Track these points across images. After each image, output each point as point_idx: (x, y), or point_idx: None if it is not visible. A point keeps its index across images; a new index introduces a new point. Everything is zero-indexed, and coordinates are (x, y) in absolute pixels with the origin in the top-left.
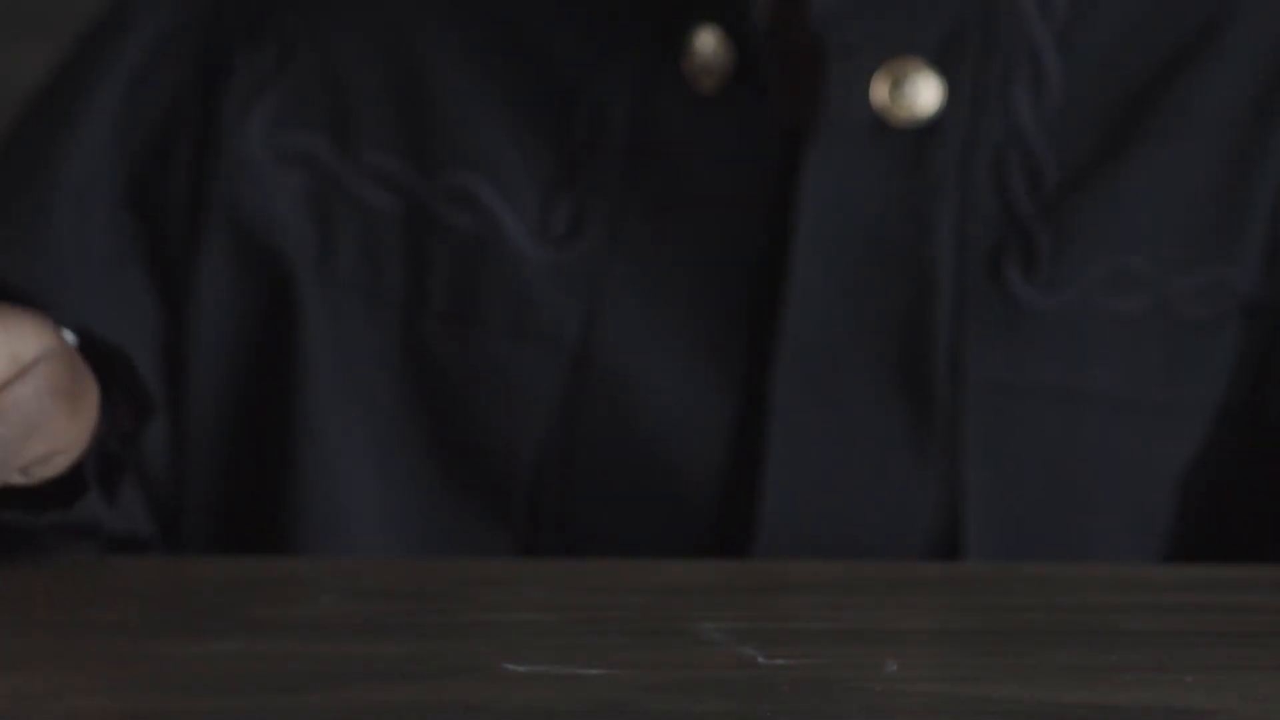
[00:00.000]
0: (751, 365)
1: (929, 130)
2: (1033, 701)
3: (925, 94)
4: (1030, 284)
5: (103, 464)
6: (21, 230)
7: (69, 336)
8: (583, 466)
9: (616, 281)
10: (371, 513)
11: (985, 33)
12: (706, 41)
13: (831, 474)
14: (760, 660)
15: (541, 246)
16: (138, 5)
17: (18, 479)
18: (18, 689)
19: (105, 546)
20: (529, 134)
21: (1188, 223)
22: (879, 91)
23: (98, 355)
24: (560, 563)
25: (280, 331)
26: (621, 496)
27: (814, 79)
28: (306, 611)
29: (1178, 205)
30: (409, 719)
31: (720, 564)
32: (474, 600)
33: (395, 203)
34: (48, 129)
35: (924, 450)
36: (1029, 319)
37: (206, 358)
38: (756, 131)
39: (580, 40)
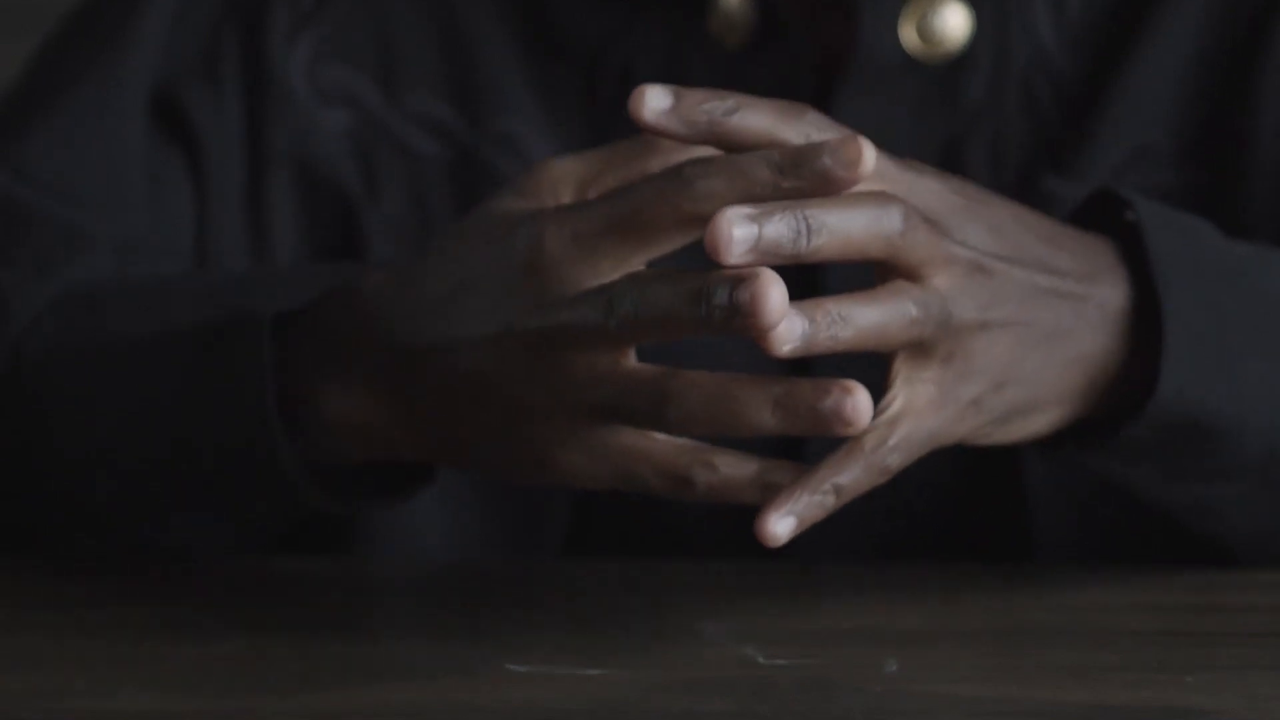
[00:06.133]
0: None
1: (958, 63)
2: (1033, 701)
3: (953, 26)
4: (1059, 179)
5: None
6: (56, 138)
7: None
8: None
9: None
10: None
11: None
12: None
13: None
14: (760, 660)
15: None
16: None
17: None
18: (18, 689)
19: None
20: (558, 94)
21: (1201, 101)
22: (907, 28)
23: None
24: (560, 563)
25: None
26: None
27: (839, 24)
28: (307, 612)
29: (1189, 84)
30: (409, 719)
31: (721, 564)
32: (474, 600)
33: (442, 149)
34: (85, 55)
35: None
36: (1059, 206)
37: None
38: (784, 84)
39: (607, 1)
